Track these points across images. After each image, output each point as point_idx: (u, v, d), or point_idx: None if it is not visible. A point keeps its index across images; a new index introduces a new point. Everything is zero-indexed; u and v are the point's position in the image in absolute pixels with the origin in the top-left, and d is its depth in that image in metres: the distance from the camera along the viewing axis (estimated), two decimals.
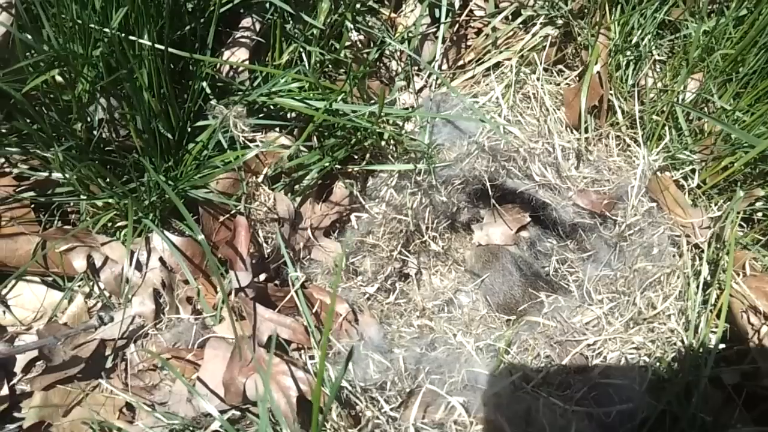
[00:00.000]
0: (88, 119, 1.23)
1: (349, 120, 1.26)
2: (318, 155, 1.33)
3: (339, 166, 1.36)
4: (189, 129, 1.29)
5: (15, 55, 1.15)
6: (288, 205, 1.27)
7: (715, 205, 1.43)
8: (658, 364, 1.13)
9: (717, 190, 1.45)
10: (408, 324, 1.32)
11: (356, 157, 1.44)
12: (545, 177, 1.44)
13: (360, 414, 1.07)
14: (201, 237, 1.06)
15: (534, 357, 1.15)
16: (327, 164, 1.33)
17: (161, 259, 1.26)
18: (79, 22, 1.12)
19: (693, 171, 1.46)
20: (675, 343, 1.17)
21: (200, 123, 1.29)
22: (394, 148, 1.44)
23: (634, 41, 1.54)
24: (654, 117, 1.46)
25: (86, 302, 1.28)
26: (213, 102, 1.27)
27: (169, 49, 1.17)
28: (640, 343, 1.16)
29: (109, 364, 1.22)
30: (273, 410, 1.03)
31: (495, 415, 0.96)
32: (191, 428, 1.11)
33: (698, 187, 1.45)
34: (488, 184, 1.44)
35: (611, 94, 1.48)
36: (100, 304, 1.29)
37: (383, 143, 1.43)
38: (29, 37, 1.10)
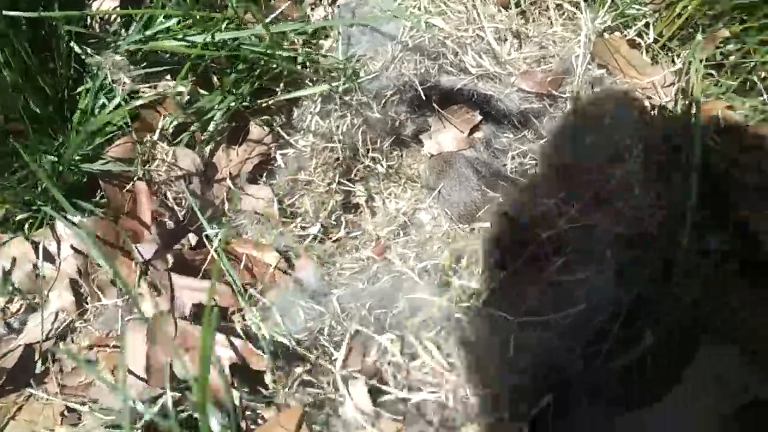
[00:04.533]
0: None
1: (233, 50, 1.11)
2: (219, 95, 1.18)
3: (247, 104, 1.22)
4: (67, 97, 1.15)
5: None
6: (192, 158, 1.14)
7: (678, 57, 1.26)
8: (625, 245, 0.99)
9: (677, 42, 1.28)
10: (357, 259, 1.20)
11: (276, 88, 1.29)
12: (482, 66, 1.27)
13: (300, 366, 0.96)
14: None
15: (485, 265, 1.01)
16: (233, 103, 1.19)
17: (73, 247, 1.14)
18: None
19: (647, 25, 1.29)
20: (643, 220, 1.03)
21: (80, 88, 1.15)
22: (310, 71, 1.28)
23: None
24: None
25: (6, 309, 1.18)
26: (89, 58, 1.13)
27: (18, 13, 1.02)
28: (605, 225, 1.02)
29: (39, 369, 1.12)
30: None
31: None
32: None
33: (655, 41, 1.29)
34: (419, 88, 1.28)
35: None
36: (23, 306, 1.19)
37: (298, 67, 1.28)
38: None
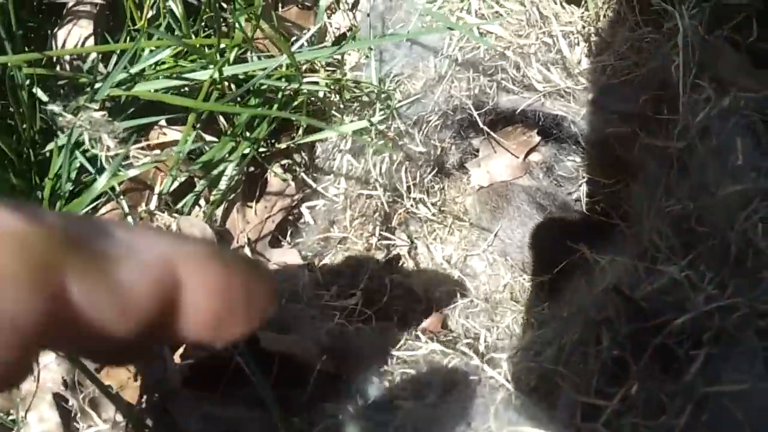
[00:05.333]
0: None
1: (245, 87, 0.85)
2: (230, 141, 0.92)
3: (263, 149, 0.96)
4: (33, 159, 0.88)
5: None
6: (202, 230, 0.88)
7: None
8: None
9: None
10: (414, 340, 0.95)
11: (294, 120, 1.04)
12: (551, 82, 1.03)
13: None
14: None
15: (599, 362, 0.78)
16: (247, 150, 0.93)
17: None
18: None
19: (748, 18, 1.05)
20: None
21: (50, 146, 0.89)
22: (336, 96, 1.03)
23: None
24: None
25: None
26: (59, 118, 0.85)
27: None
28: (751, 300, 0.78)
29: None
30: None
31: None
32: None
33: (759, 38, 1.04)
34: (475, 113, 1.03)
35: None
36: None
37: (321, 94, 1.02)
38: None
